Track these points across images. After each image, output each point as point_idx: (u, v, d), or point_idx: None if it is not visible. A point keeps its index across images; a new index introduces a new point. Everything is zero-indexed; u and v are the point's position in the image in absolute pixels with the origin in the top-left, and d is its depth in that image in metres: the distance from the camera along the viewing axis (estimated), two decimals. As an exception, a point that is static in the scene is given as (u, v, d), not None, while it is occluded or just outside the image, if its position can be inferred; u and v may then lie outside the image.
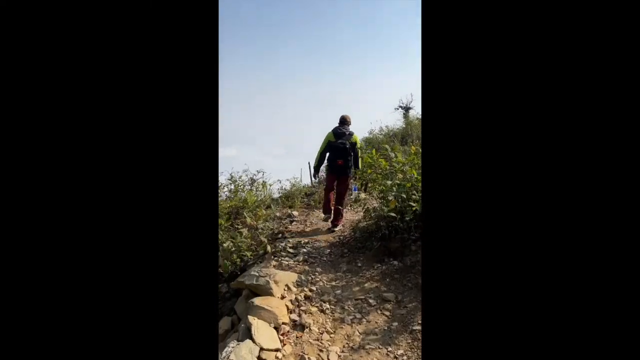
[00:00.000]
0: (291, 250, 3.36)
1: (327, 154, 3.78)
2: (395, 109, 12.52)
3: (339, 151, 3.68)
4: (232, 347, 1.92)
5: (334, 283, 2.79)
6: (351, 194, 4.22)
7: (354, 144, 3.75)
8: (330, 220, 3.94)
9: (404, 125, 9.98)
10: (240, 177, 4.95)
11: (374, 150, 4.14)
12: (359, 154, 3.86)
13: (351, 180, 4.04)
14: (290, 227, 4.15)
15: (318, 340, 2.17)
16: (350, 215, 4.18)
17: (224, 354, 1.88)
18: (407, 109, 12.07)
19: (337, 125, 3.85)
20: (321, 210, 4.26)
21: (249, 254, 3.13)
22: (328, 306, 2.48)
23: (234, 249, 3.06)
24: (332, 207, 3.90)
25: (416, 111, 12.01)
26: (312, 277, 2.86)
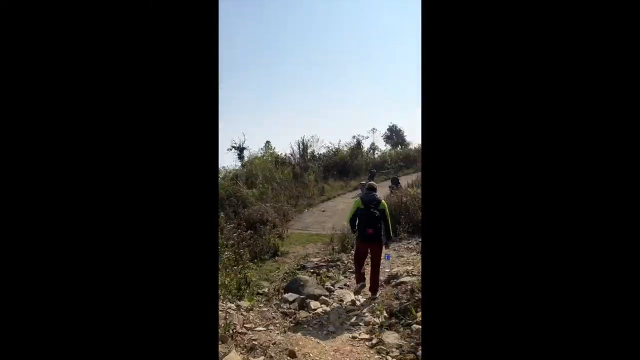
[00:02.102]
0: None
1: (357, 221, 3.60)
2: (228, 149, 11.31)
3: (370, 219, 3.47)
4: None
5: None
6: (384, 262, 3.93)
7: (383, 211, 3.59)
8: (369, 288, 3.76)
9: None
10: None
11: None
12: (389, 221, 3.68)
13: (387, 250, 3.84)
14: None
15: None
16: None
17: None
18: (241, 149, 11.32)
19: (365, 191, 3.75)
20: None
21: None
22: None
23: None
24: (364, 276, 3.73)
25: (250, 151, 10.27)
26: None
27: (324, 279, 4.60)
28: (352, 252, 6.34)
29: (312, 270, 5.66)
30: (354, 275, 4.55)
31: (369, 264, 3.75)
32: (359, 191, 14.19)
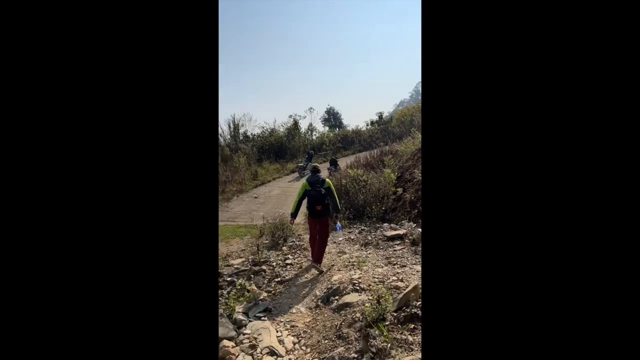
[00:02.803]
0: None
1: (305, 202, 3.78)
2: None
3: (317, 198, 3.68)
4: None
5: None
6: (337, 233, 4.30)
7: (328, 189, 3.77)
8: (313, 259, 3.89)
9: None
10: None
11: None
12: (335, 196, 3.84)
13: (337, 222, 4.10)
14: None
15: None
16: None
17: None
18: None
19: (310, 174, 3.94)
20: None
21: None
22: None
23: None
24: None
25: None
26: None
27: (231, 303, 3.04)
28: (284, 247, 5.01)
29: (228, 280, 4.11)
30: (278, 290, 3.36)
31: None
32: (296, 174, 12.94)
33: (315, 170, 3.96)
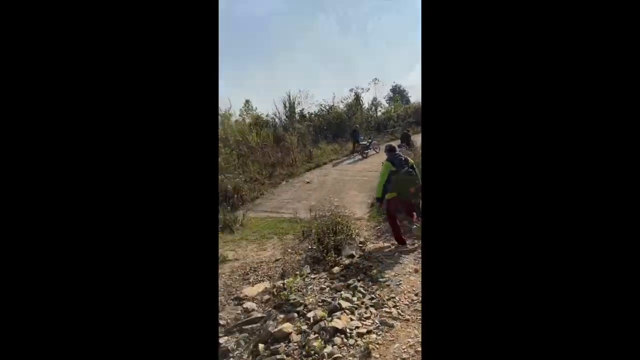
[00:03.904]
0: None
1: (392, 183, 3.33)
2: None
3: (409, 179, 3.32)
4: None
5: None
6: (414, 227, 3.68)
7: (414, 168, 3.40)
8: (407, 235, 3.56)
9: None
10: None
11: None
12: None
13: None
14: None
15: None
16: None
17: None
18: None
19: (390, 153, 3.50)
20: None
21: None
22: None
23: None
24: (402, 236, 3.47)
25: None
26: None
27: None
28: (336, 268, 2.62)
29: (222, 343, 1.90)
30: None
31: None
32: (357, 156, 10.54)
33: (392, 150, 3.57)
